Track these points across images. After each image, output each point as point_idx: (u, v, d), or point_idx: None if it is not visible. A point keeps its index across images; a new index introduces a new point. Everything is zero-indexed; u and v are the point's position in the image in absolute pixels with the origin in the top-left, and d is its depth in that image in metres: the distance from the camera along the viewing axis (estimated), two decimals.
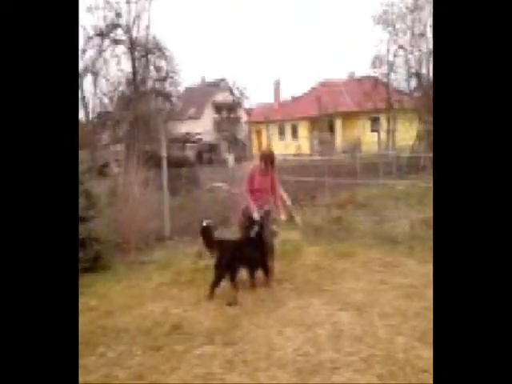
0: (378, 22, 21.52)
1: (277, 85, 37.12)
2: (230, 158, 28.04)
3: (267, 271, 5.22)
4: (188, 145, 31.06)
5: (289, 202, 8.42)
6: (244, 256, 5.10)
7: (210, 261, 6.25)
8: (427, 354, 3.47)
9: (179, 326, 4.18)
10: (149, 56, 18.55)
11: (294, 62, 73.90)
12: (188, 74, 74.05)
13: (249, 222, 5.31)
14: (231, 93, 44.90)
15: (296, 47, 78.10)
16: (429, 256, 6.02)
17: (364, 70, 39.76)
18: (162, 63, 19.23)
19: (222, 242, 5.27)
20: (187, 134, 33.47)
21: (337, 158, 17.64)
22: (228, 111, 44.82)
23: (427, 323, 3.99)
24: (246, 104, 44.63)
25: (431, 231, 7.12)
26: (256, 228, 5.20)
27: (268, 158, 5.31)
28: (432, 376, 3.16)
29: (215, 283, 4.95)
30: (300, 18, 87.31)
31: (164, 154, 8.15)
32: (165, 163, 8.13)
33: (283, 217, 5.59)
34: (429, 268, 5.56)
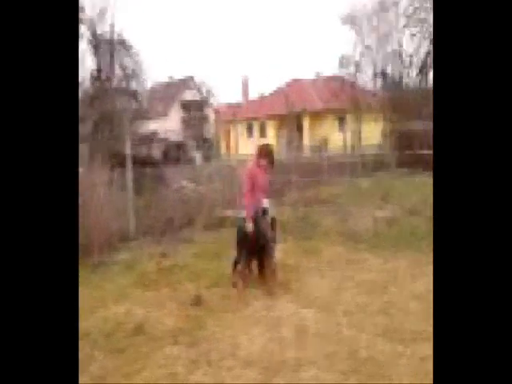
0: (345, 22, 21.87)
1: (245, 83, 37.14)
2: (198, 157, 27.85)
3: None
4: (155, 144, 30.66)
5: None
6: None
7: (174, 260, 6.22)
8: (389, 348, 3.54)
9: (142, 327, 4.11)
10: (114, 53, 18.19)
11: (261, 61, 74.08)
12: (155, 72, 73.14)
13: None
14: (199, 91, 44.59)
15: (264, 46, 78.33)
16: (391, 253, 6.16)
17: (331, 69, 40.27)
18: (128, 61, 18.90)
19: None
20: (154, 132, 33.03)
21: (304, 157, 17.79)
22: (196, 110, 44.48)
23: (389, 319, 4.07)
24: (214, 102, 44.42)
25: (393, 228, 7.27)
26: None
27: (270, 154, 5.06)
28: (390, 369, 3.24)
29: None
30: (268, 16, 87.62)
31: (128, 152, 8.01)
32: (129, 162, 8.00)
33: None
34: (391, 265, 5.69)
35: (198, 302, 4.63)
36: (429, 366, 3.24)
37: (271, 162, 5.08)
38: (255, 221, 4.90)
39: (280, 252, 6.34)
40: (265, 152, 5.06)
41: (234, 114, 32.80)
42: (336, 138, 25.82)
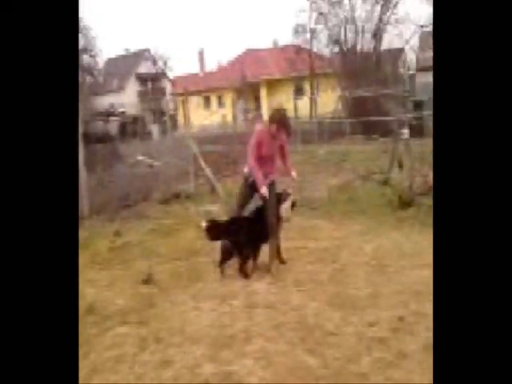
0: None
1: (201, 54, 36.36)
2: (155, 130, 27.30)
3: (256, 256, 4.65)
4: (111, 118, 29.80)
5: (210, 174, 8.31)
6: (253, 232, 4.52)
7: (128, 238, 6.10)
8: (337, 316, 3.59)
9: (93, 307, 4.02)
10: None
11: (217, 32, 72.30)
12: (110, 45, 70.32)
13: (250, 192, 4.66)
14: (155, 63, 43.39)
15: (219, 16, 76.27)
16: (345, 219, 6.24)
17: (287, 37, 39.80)
18: (79, 36, 18.06)
19: (234, 220, 4.70)
20: (110, 107, 32.07)
21: None
22: (152, 82, 43.36)
23: (338, 286, 4.13)
24: (171, 75, 43.38)
25: (347, 195, 7.36)
26: (253, 204, 4.68)
27: (281, 120, 4.43)
28: (337, 337, 3.29)
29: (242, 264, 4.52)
30: None
31: (79, 129, 7.68)
32: (79, 139, 7.68)
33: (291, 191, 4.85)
34: (343, 231, 5.77)
35: (149, 280, 4.56)
36: (376, 331, 3.33)
37: (286, 128, 4.46)
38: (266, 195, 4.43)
39: None
40: (278, 117, 4.44)
41: (191, 86, 32.15)
42: (293, 106, 25.77)
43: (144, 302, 4.07)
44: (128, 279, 4.67)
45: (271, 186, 4.57)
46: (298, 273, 4.51)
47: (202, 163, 8.18)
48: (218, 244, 5.65)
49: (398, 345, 3.13)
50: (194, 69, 37.50)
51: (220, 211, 7.15)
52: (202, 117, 29.69)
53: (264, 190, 4.40)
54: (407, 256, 4.75)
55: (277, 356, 3.09)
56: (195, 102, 33.57)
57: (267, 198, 4.45)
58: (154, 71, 43.01)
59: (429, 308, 3.59)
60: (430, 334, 3.22)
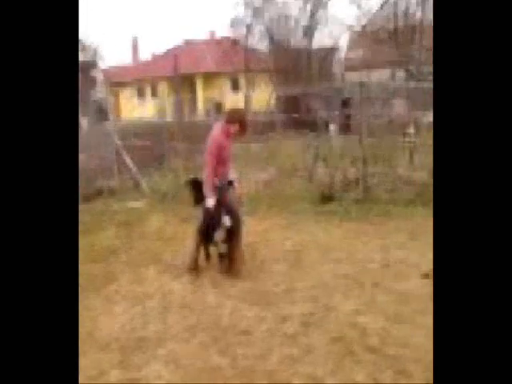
0: None
1: (134, 44, 35.25)
2: (84, 122, 26.18)
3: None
4: None
5: (133, 168, 8.09)
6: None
7: None
8: (251, 313, 3.61)
9: None
10: None
11: (152, 22, 70.43)
12: None
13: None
14: (85, 52, 41.58)
15: (154, 6, 74.28)
16: (268, 215, 6.31)
17: (224, 31, 39.62)
18: None
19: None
20: None
21: (196, 121, 17.48)
22: (81, 72, 41.63)
23: (254, 283, 4.16)
24: (103, 64, 41.75)
25: (272, 191, 7.44)
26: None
27: (243, 120, 4.36)
28: (250, 335, 3.32)
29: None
30: None
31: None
32: None
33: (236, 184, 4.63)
34: (265, 227, 5.83)
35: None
36: (289, 326, 3.38)
37: (244, 128, 4.40)
38: (219, 195, 4.28)
39: (156, 222, 6.21)
40: (237, 117, 4.37)
41: (124, 76, 31.17)
42: (229, 100, 25.71)
43: None
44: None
45: (229, 186, 4.45)
46: (215, 271, 4.49)
47: (126, 158, 7.94)
48: (138, 241, 5.53)
49: (307, 339, 3.20)
50: (128, 59, 36.21)
51: (145, 208, 6.99)
52: (135, 109, 28.88)
53: (211, 203, 4.26)
54: (323, 250, 4.88)
55: (187, 358, 3.06)
56: (128, 93, 32.58)
57: (212, 209, 4.28)
58: (82, 59, 41.29)
59: (337, 301, 3.72)
60: (338, 327, 3.33)
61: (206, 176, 4.29)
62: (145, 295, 4.01)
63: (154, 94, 31.55)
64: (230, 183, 4.46)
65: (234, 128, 4.32)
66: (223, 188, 4.35)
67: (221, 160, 4.29)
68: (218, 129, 4.38)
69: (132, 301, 3.92)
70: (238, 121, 4.33)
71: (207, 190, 4.26)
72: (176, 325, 3.49)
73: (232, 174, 4.53)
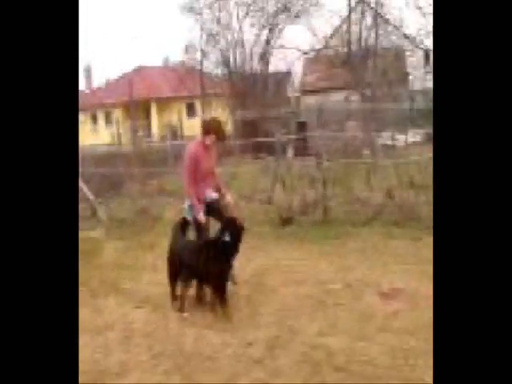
0: (184, 10, 21.75)
1: (88, 70, 34.84)
2: None
3: (215, 288, 4.02)
4: None
5: (91, 196, 7.91)
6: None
7: None
8: (216, 340, 3.57)
9: None
10: None
11: (106, 47, 69.93)
12: None
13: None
14: None
15: (108, 31, 73.96)
16: None
17: (178, 55, 39.84)
18: None
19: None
20: None
21: (151, 146, 17.34)
22: None
23: (218, 309, 4.11)
24: None
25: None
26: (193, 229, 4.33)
27: (220, 130, 4.27)
28: (215, 362, 3.28)
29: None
30: (110, 2, 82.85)
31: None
32: None
33: (229, 197, 4.50)
34: None
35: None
36: (254, 351, 3.36)
37: (221, 138, 4.31)
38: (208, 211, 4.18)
39: (114, 251, 6.08)
40: (212, 127, 4.24)
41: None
42: (186, 125, 25.70)
43: None
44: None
45: (212, 208, 4.34)
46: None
47: (83, 185, 7.76)
48: (96, 271, 5.38)
49: (273, 363, 3.19)
50: (81, 85, 35.63)
51: (102, 236, 6.83)
52: (89, 135, 28.32)
53: (201, 216, 4.22)
54: (284, 273, 4.92)
55: None
56: (82, 119, 32.00)
57: (203, 222, 4.26)
58: None
59: (302, 323, 3.74)
60: (304, 349, 3.35)
61: (186, 191, 4.27)
62: (105, 325, 3.90)
63: (108, 120, 31.13)
64: (212, 204, 4.33)
65: (211, 139, 4.24)
66: (211, 205, 4.30)
67: (199, 174, 4.20)
68: (193, 142, 4.37)
69: (92, 332, 3.79)
70: (214, 131, 4.24)
71: (193, 203, 4.21)
72: (139, 354, 3.41)
73: (218, 189, 4.41)
